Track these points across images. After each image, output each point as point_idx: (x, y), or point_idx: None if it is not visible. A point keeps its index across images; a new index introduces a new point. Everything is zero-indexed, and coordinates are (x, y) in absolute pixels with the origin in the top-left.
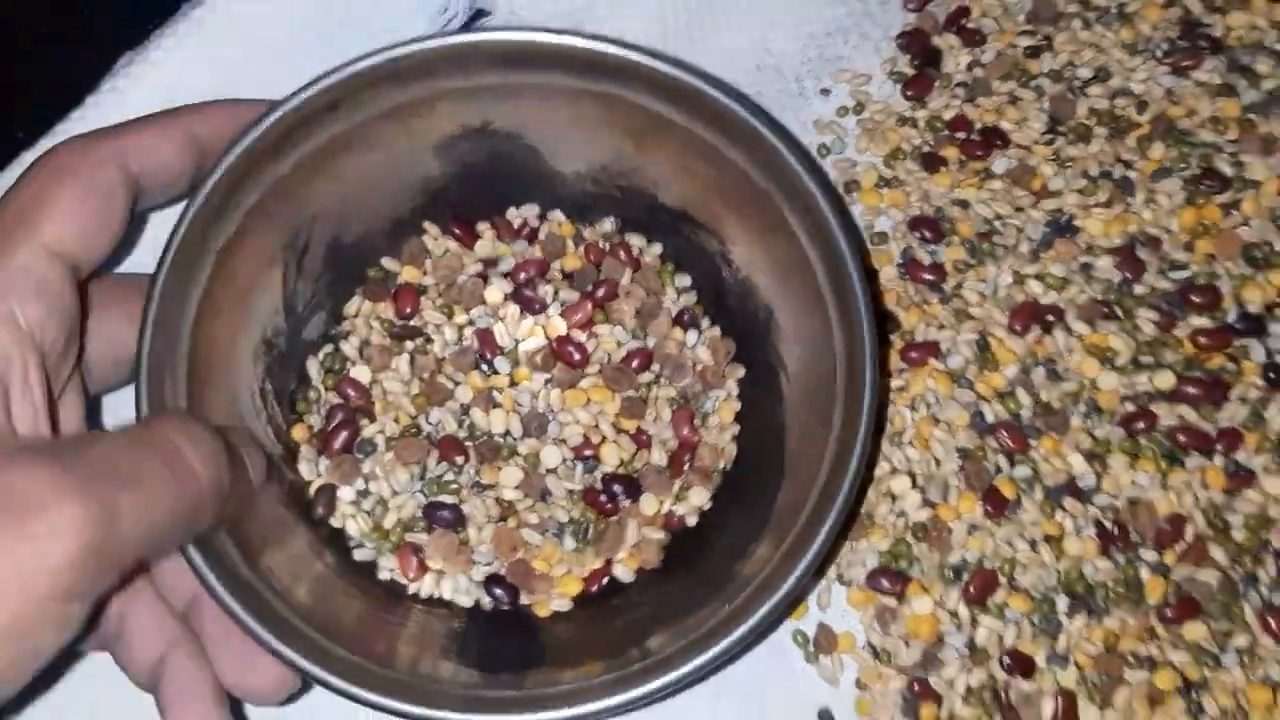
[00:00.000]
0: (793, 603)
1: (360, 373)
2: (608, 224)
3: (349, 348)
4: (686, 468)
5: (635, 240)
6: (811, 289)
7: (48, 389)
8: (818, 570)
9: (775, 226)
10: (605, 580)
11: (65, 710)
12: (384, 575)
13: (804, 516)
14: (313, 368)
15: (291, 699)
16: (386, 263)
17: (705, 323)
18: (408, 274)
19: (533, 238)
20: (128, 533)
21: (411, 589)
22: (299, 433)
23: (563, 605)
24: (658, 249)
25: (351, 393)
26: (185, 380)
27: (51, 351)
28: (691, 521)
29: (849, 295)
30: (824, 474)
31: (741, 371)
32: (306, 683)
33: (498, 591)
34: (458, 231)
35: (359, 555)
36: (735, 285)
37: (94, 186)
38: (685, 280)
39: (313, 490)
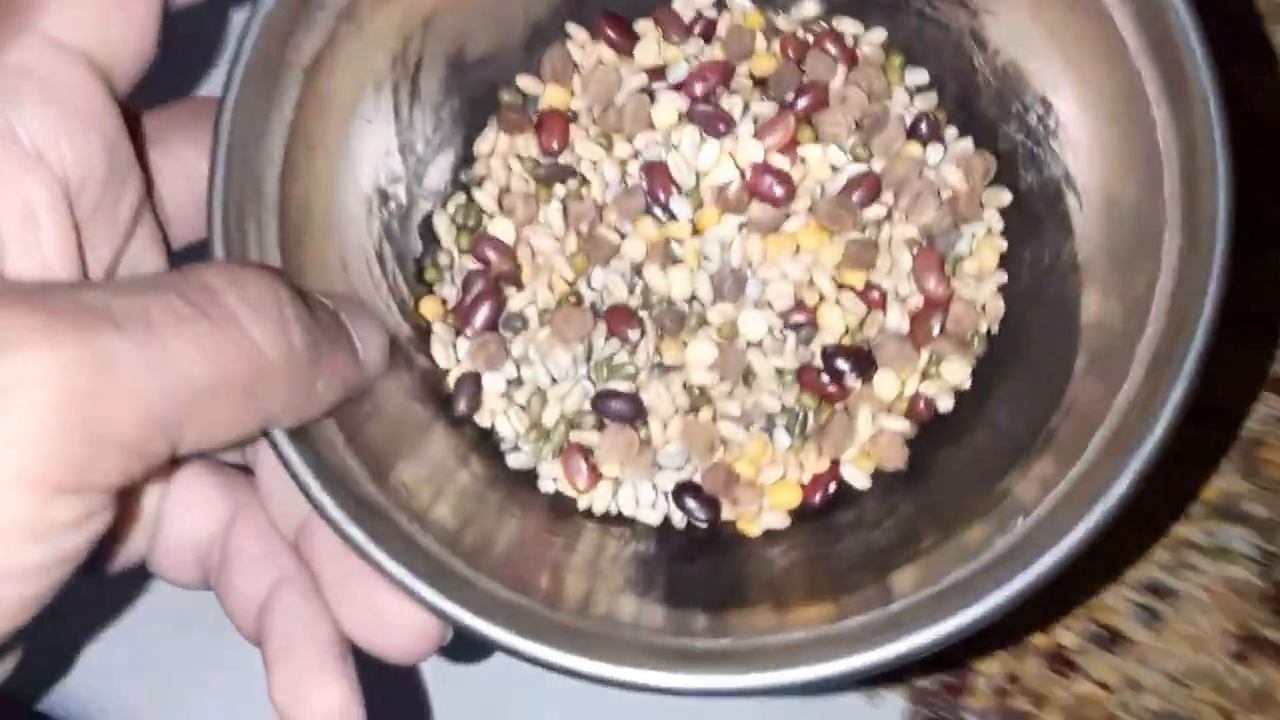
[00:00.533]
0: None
1: (501, 228)
2: (809, 6)
3: (484, 196)
4: (936, 333)
5: (848, 26)
6: (1117, 63)
7: (75, 233)
8: None
9: None
10: (832, 487)
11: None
12: (546, 486)
13: (1119, 404)
14: (441, 224)
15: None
16: (523, 82)
17: (952, 132)
18: (552, 96)
19: (710, 34)
20: (135, 393)
21: (582, 503)
22: (430, 308)
23: (777, 521)
24: (880, 35)
25: (492, 254)
26: (276, 238)
27: (85, 182)
28: (946, 407)
29: (1182, 57)
30: (1150, 338)
31: (1007, 197)
32: (456, 635)
33: (691, 503)
34: (611, 34)
35: (513, 461)
36: (993, 76)
37: None
38: (921, 76)
39: (451, 380)
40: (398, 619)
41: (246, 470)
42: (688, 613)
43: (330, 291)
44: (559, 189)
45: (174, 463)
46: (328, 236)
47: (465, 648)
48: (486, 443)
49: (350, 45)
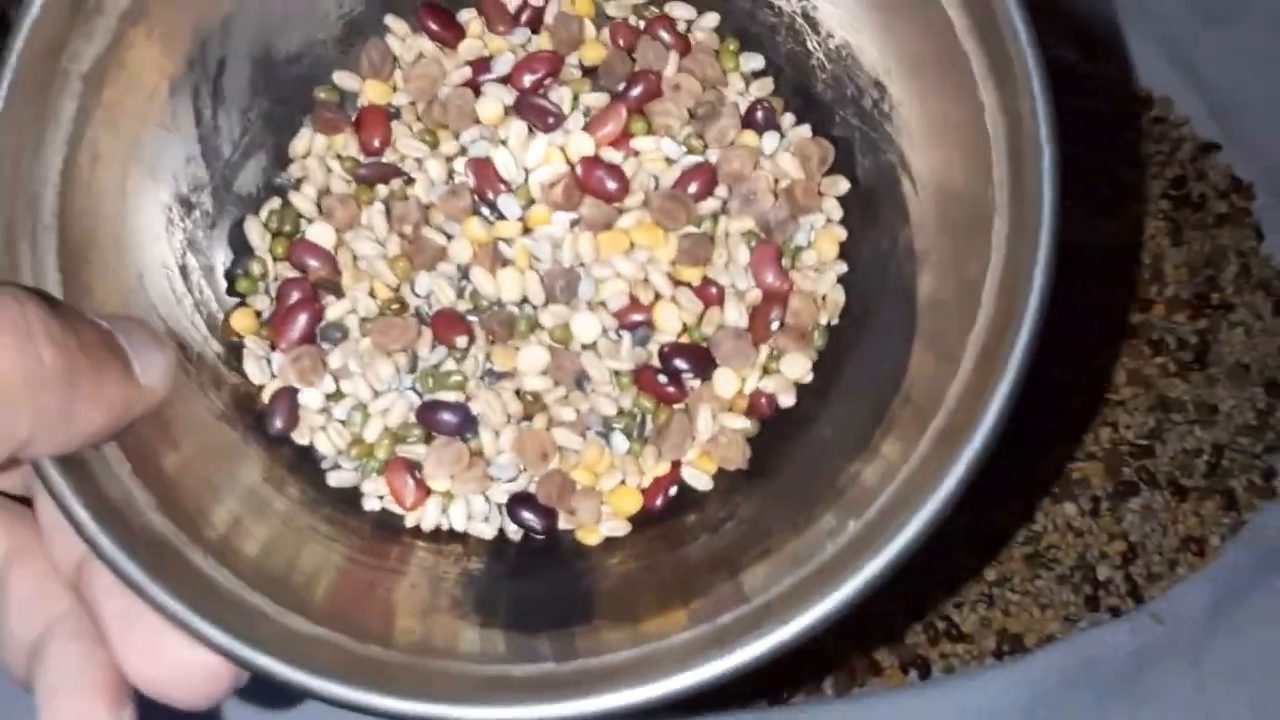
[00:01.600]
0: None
1: (319, 232)
2: None
3: (302, 199)
4: (775, 328)
5: (680, 11)
6: (944, 44)
7: None
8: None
9: None
10: (673, 490)
11: None
12: (371, 505)
13: (954, 392)
14: (254, 231)
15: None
16: (340, 78)
17: (788, 120)
18: (371, 91)
19: (536, 23)
20: None
21: (410, 520)
22: (241, 321)
23: (617, 528)
24: (713, 20)
25: (310, 260)
26: (55, 256)
27: None
28: (787, 402)
29: (1005, 38)
30: (981, 326)
31: (844, 186)
32: (258, 679)
33: (526, 515)
34: (433, 25)
35: (335, 480)
36: (828, 60)
37: None
38: (756, 61)
39: (266, 397)
40: (182, 661)
41: (29, 501)
42: (529, 636)
43: (104, 311)
44: (381, 190)
45: None
46: (121, 251)
47: (271, 691)
48: (305, 462)
49: (139, 50)
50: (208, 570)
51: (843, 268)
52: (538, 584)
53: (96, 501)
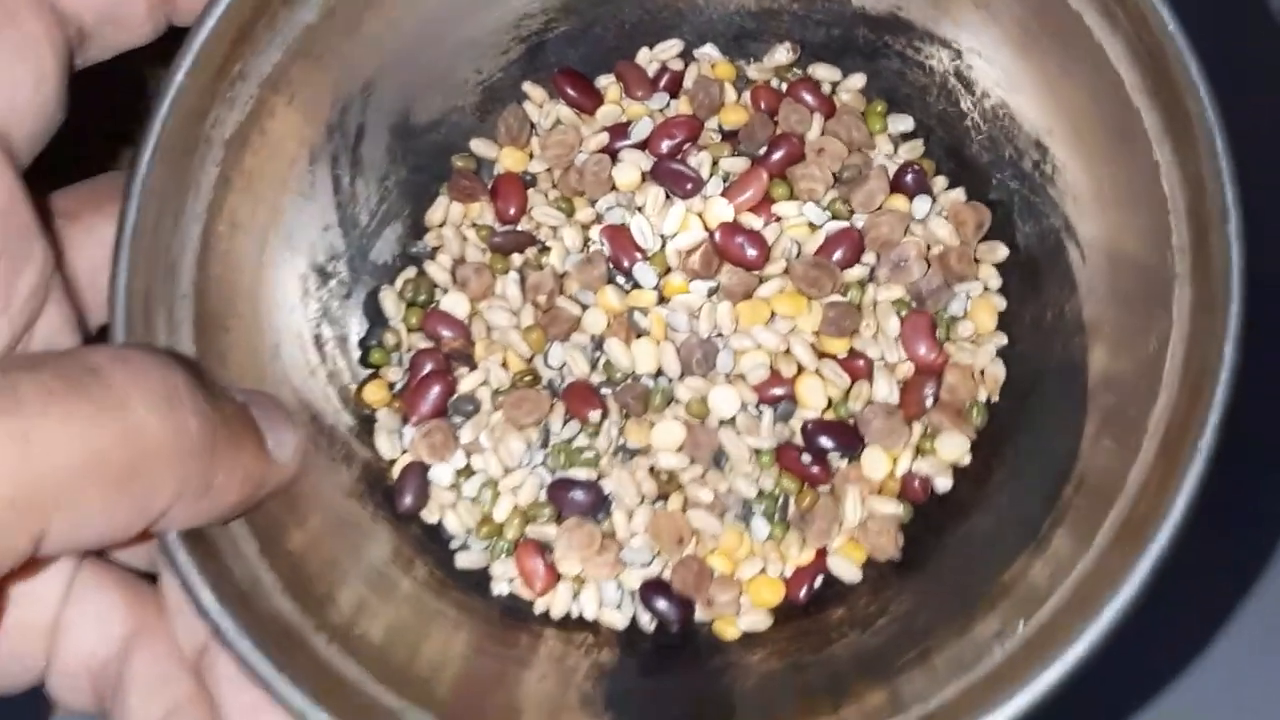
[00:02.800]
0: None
1: (453, 302)
2: (781, 54)
3: (437, 269)
4: (929, 404)
5: (823, 73)
6: (1112, 101)
7: None
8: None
9: (1044, 13)
10: (818, 581)
11: None
12: (500, 588)
13: (1134, 479)
14: (389, 301)
15: None
16: (477, 146)
17: (941, 183)
18: (507, 159)
19: (676, 88)
20: None
21: (539, 606)
22: (373, 394)
23: (757, 622)
24: (859, 81)
25: (443, 330)
26: (191, 325)
27: None
28: (943, 486)
29: (1183, 94)
30: (1164, 405)
31: (1003, 253)
32: None
33: (660, 604)
34: (570, 92)
35: (463, 561)
36: (983, 120)
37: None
38: (905, 123)
39: (395, 472)
40: None
41: (154, 578)
42: None
43: (239, 385)
44: (516, 259)
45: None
46: (255, 320)
47: None
48: (434, 542)
49: (280, 117)
50: (333, 661)
51: (1002, 340)
52: (672, 681)
53: (222, 582)
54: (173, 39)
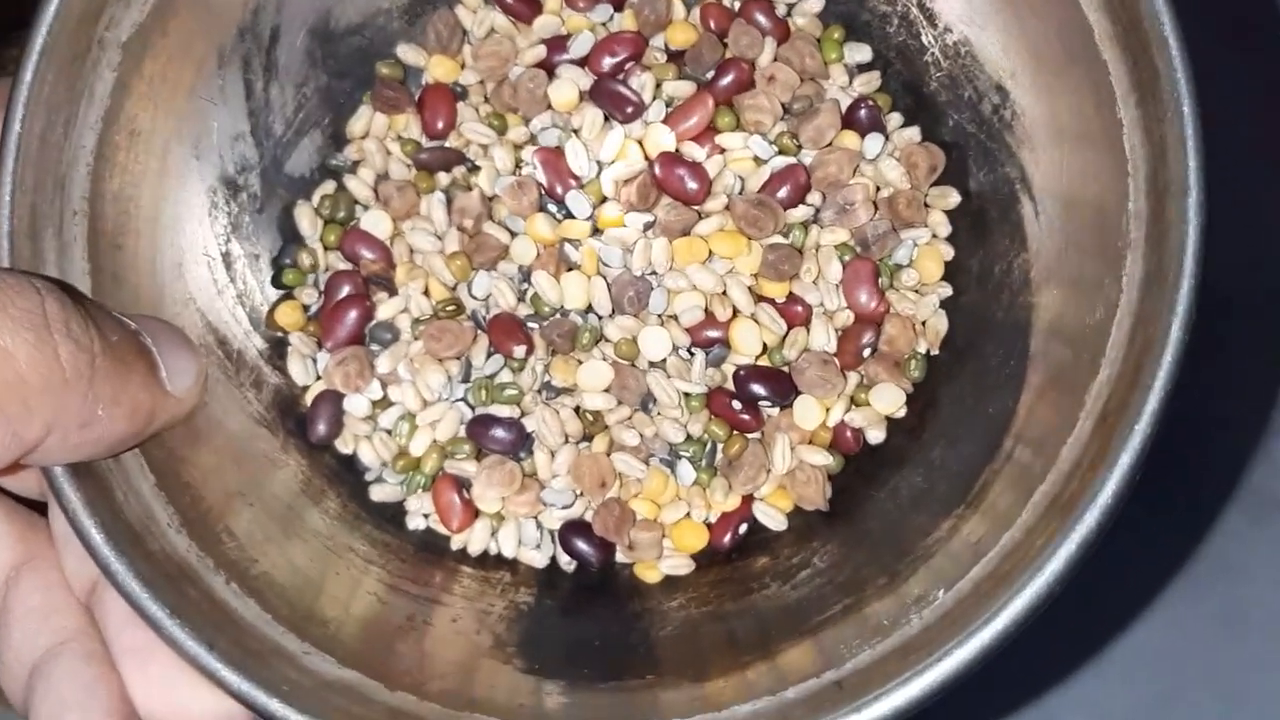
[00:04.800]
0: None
1: (374, 221)
2: None
3: (358, 184)
4: (867, 354)
5: None
6: (1080, 50)
7: None
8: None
9: None
10: (743, 528)
11: None
12: (415, 523)
13: (1068, 454)
14: (304, 217)
15: None
16: (404, 52)
17: (895, 121)
18: (437, 68)
19: (620, 1)
20: None
21: (456, 543)
22: (286, 316)
23: (679, 566)
24: (816, 4)
25: (363, 251)
26: (84, 243)
27: None
28: (876, 439)
29: (1153, 50)
30: (1104, 380)
31: (955, 199)
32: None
33: (580, 545)
34: None
35: (378, 494)
36: (944, 56)
37: None
38: (862, 53)
39: (308, 400)
40: (198, 707)
41: (44, 507)
42: (579, 690)
43: (137, 303)
44: (442, 178)
45: None
46: (158, 237)
47: None
48: (347, 474)
49: (184, 17)
50: (230, 601)
51: (947, 291)
52: (590, 624)
53: (112, 520)
54: None
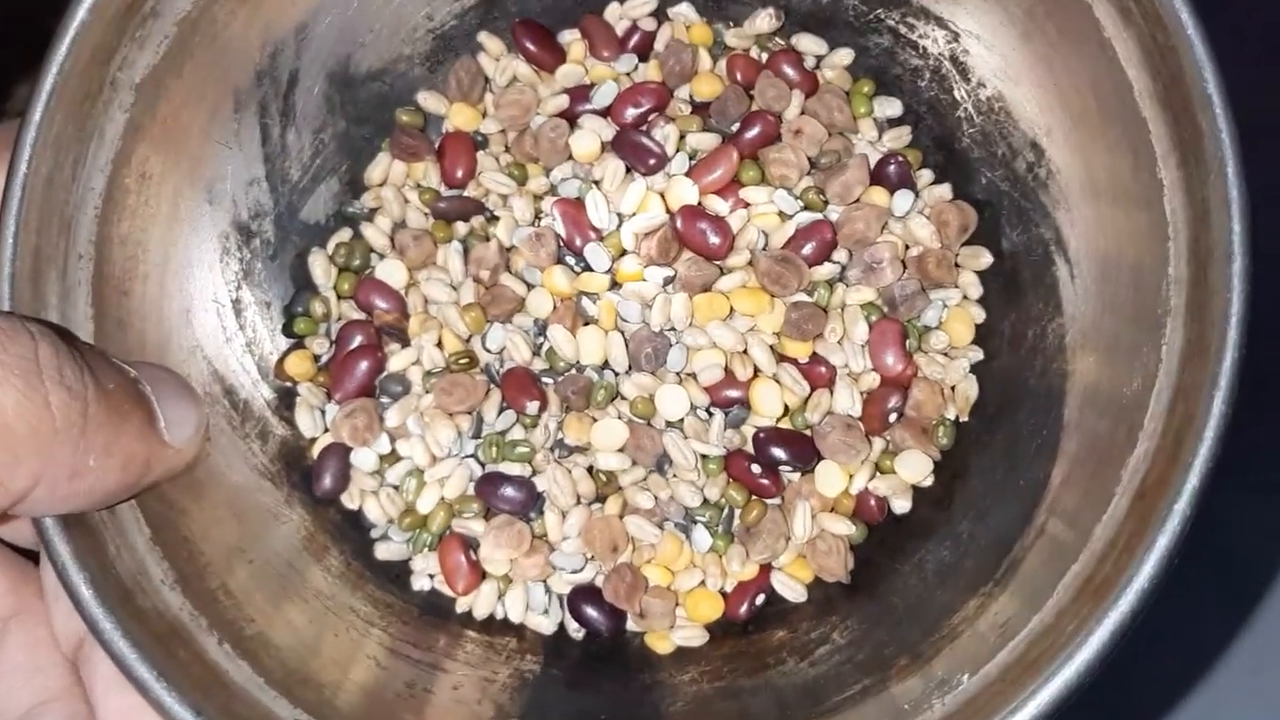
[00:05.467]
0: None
1: (390, 270)
2: (763, 20)
3: (374, 232)
4: (893, 419)
5: (808, 44)
6: (1119, 107)
7: None
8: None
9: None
10: (760, 599)
11: None
12: (420, 584)
13: (1102, 533)
14: (318, 265)
15: None
16: (424, 100)
17: (925, 177)
18: (457, 116)
19: (646, 50)
20: None
21: (461, 605)
22: (297, 365)
23: (692, 637)
24: (846, 57)
25: (377, 301)
26: (88, 287)
27: None
28: (901, 508)
29: (1195, 107)
30: (1141, 455)
31: (987, 260)
32: None
33: (590, 612)
34: (530, 45)
35: (382, 552)
36: (976, 112)
37: None
38: (892, 108)
39: (314, 453)
40: None
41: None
42: None
43: (142, 350)
44: (460, 228)
45: None
46: (166, 281)
47: None
48: (352, 530)
49: (199, 59)
50: (222, 663)
51: (978, 355)
52: (598, 696)
53: (102, 575)
54: None
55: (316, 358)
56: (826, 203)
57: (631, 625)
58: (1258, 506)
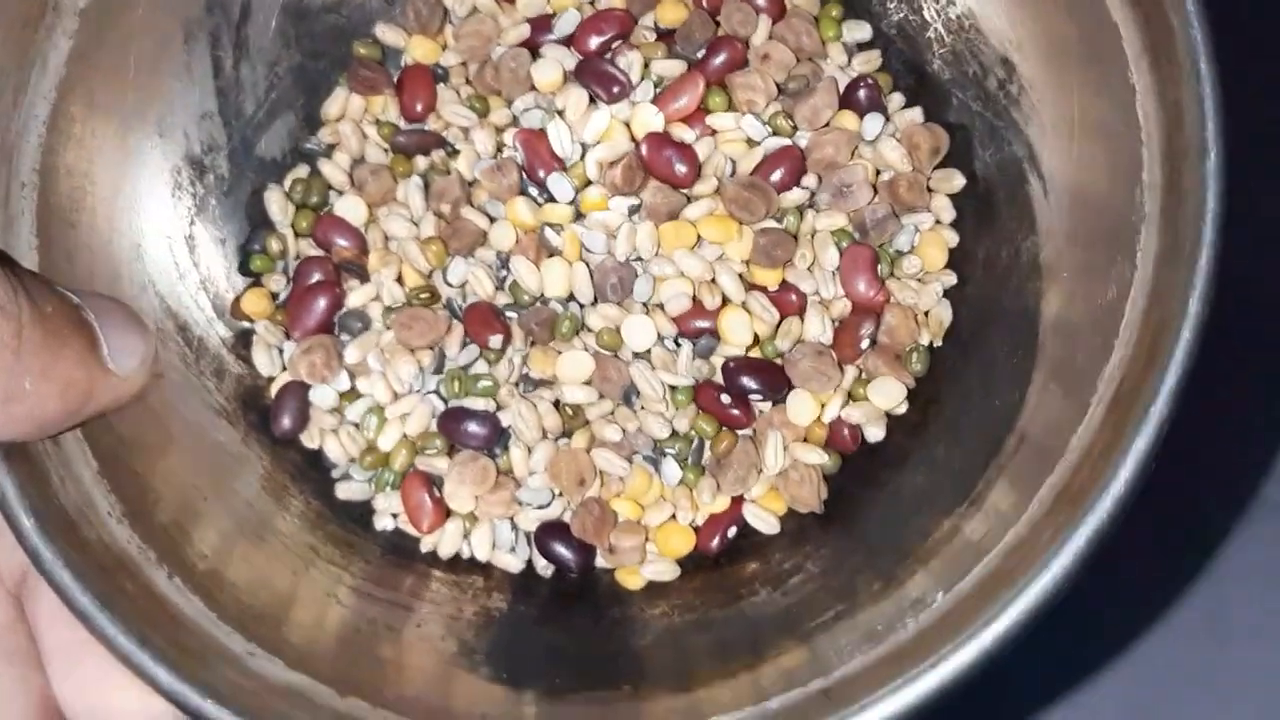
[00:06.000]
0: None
1: (349, 206)
2: None
3: (332, 168)
4: (865, 346)
5: None
6: (1089, 13)
7: None
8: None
9: None
10: (732, 532)
11: None
12: (383, 523)
13: (1078, 442)
14: (274, 201)
15: None
16: (382, 32)
17: (896, 101)
18: (417, 48)
19: None
20: None
21: (426, 545)
22: (253, 303)
23: (663, 572)
24: None
25: (336, 238)
26: (32, 216)
27: None
28: (874, 436)
29: (1169, 14)
30: (1117, 363)
31: (960, 182)
32: None
33: (558, 549)
34: None
35: (344, 492)
36: (946, 31)
37: None
38: (861, 31)
39: (273, 391)
40: (128, 709)
41: None
42: (551, 700)
43: (90, 285)
44: (420, 162)
45: None
46: (115, 216)
47: None
48: (313, 470)
49: None
50: (172, 596)
51: (951, 279)
52: (567, 632)
53: (44, 506)
54: None
55: (274, 295)
56: (795, 128)
57: (601, 561)
58: None
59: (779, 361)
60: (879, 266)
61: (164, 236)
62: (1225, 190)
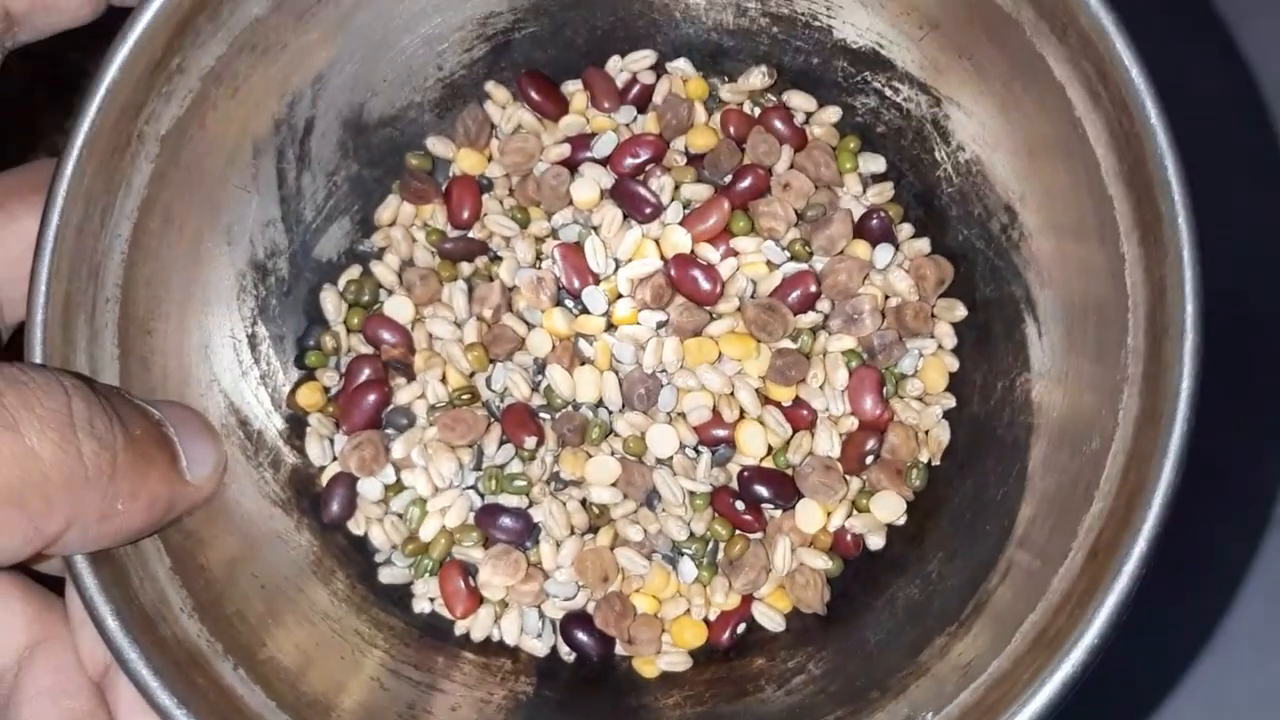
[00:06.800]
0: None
1: (397, 306)
2: (757, 76)
3: (383, 270)
4: (870, 461)
5: (799, 101)
6: (1087, 183)
7: None
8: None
9: (1028, 75)
10: (741, 628)
11: None
12: (421, 606)
13: (1057, 586)
14: (330, 301)
15: None
16: (433, 145)
17: (906, 231)
18: (464, 161)
19: (644, 102)
20: None
21: (459, 628)
22: (307, 397)
23: (677, 662)
24: (833, 114)
25: (384, 336)
26: (114, 329)
27: None
28: (875, 545)
29: (1156, 192)
30: (1096, 514)
31: (961, 312)
32: None
33: (581, 637)
34: (534, 95)
35: (386, 576)
36: (955, 173)
37: None
38: (876, 164)
39: (324, 480)
40: None
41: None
42: None
43: (163, 386)
44: (465, 268)
45: None
46: (184, 321)
47: None
48: (358, 554)
49: (222, 110)
50: (237, 688)
51: (950, 402)
52: (587, 719)
53: (127, 606)
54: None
55: (326, 389)
56: (812, 254)
57: (620, 650)
58: None
59: (790, 472)
60: (884, 387)
61: (229, 336)
62: (1200, 371)
